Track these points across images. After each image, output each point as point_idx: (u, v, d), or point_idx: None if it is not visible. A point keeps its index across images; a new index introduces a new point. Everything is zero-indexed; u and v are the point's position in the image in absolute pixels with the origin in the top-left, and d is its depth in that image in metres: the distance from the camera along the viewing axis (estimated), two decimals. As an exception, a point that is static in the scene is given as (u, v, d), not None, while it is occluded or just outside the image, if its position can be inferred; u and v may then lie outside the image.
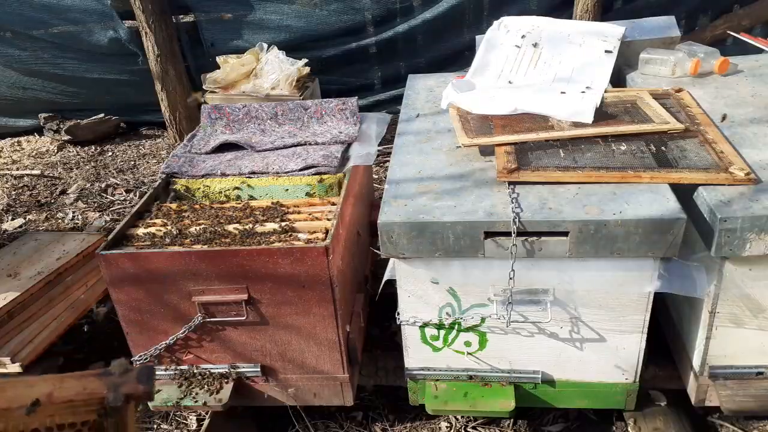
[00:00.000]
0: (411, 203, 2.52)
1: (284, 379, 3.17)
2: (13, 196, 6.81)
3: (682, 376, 3.04)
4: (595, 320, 2.62)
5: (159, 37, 6.81)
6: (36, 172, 7.38)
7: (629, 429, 3.13)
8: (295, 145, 3.78)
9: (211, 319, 2.97)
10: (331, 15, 7.08)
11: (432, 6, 6.93)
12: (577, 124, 3.03)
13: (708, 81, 3.74)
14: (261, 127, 3.99)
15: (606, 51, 3.75)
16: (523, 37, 3.96)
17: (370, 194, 4.44)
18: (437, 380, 3.05)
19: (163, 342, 3.01)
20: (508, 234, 2.36)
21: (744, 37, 4.34)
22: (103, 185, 6.96)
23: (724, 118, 3.14)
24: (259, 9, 7.12)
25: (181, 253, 2.78)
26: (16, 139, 8.36)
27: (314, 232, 2.90)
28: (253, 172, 3.53)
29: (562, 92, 3.37)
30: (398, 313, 2.83)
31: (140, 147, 7.99)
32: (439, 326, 2.86)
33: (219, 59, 6.46)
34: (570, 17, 6.23)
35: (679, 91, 3.51)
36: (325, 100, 4.06)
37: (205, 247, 2.83)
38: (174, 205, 3.43)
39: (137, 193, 6.72)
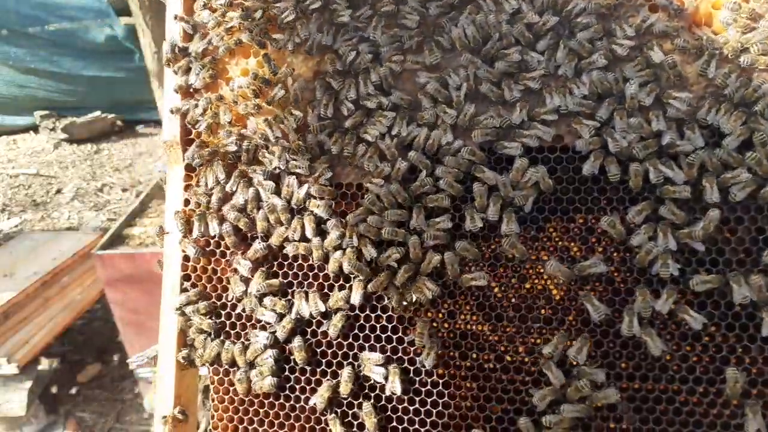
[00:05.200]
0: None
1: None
2: (9, 195, 6.76)
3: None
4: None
5: (156, 34, 6.76)
6: (32, 171, 7.33)
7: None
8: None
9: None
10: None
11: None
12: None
13: None
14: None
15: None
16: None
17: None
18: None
19: (161, 343, 2.97)
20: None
21: None
22: (99, 184, 6.91)
23: None
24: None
25: (178, 253, 2.74)
26: (12, 138, 8.30)
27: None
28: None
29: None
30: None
31: (137, 145, 7.94)
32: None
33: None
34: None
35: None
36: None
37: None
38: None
39: (134, 192, 6.68)
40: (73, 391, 4.09)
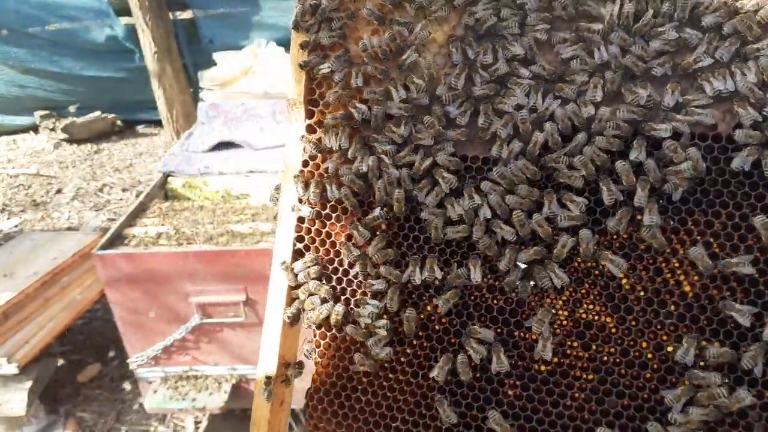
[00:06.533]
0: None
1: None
2: (9, 195, 6.75)
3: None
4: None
5: (156, 34, 6.75)
6: (32, 170, 7.33)
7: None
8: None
9: (209, 320, 2.93)
10: (329, 12, 7.06)
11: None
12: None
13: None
14: (259, 125, 3.95)
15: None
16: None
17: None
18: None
19: (160, 343, 2.97)
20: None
21: None
22: (99, 184, 6.91)
23: None
24: (258, 5, 7.08)
25: (178, 253, 2.74)
26: (12, 138, 8.30)
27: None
28: (251, 171, 3.49)
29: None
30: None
31: (136, 145, 7.93)
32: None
33: (216, 56, 6.41)
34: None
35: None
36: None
37: (203, 247, 2.79)
38: (172, 204, 3.39)
39: (134, 192, 6.67)
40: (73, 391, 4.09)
